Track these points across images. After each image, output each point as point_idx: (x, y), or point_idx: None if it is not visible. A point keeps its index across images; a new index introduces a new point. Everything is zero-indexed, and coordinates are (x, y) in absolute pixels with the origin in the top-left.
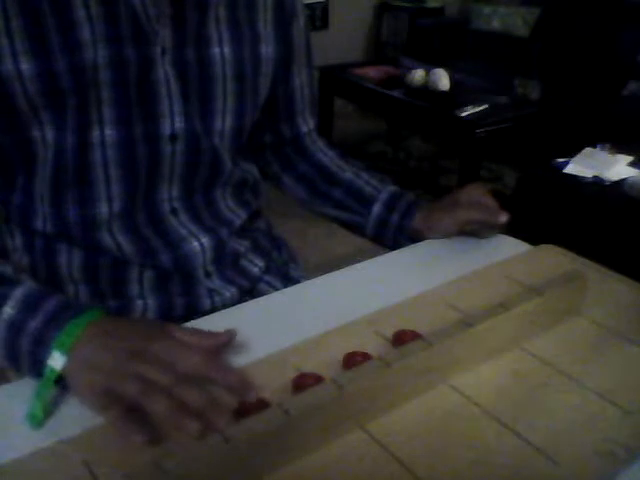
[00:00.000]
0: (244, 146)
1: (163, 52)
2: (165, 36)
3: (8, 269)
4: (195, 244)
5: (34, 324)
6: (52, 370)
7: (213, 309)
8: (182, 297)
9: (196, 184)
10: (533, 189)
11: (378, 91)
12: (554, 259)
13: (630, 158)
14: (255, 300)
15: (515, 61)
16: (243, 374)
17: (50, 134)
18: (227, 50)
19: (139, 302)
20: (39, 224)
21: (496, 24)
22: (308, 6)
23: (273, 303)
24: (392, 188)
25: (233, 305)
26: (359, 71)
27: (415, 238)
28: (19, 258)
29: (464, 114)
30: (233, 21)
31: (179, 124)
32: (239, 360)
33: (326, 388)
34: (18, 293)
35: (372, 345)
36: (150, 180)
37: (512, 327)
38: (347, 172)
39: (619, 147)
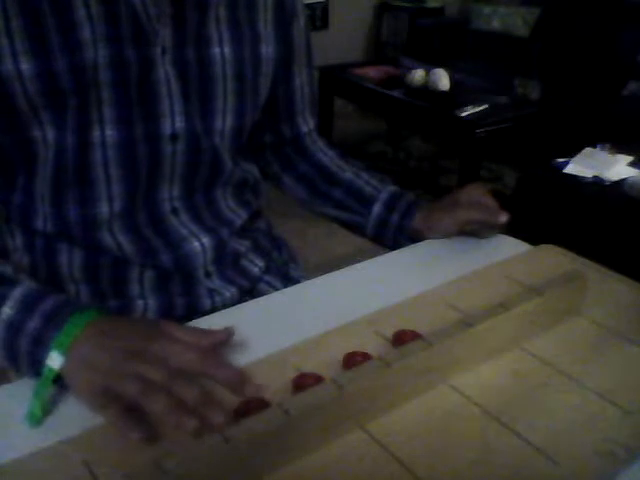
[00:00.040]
0: (244, 146)
1: (163, 52)
2: (165, 36)
3: (8, 269)
4: (196, 244)
5: (33, 324)
6: (50, 370)
7: (213, 309)
8: (182, 297)
9: (197, 184)
10: (533, 189)
11: (378, 91)
12: (554, 259)
13: (630, 158)
14: (255, 300)
15: (515, 61)
16: (240, 369)
17: (50, 134)
18: (227, 50)
19: (139, 302)
20: (39, 224)
21: (496, 24)
22: (308, 6)
23: (273, 303)
24: (392, 188)
25: (233, 305)
26: (359, 71)
27: (415, 238)
28: (20, 258)
29: (464, 114)
30: (233, 21)
31: (179, 124)
32: (239, 360)
33: (326, 388)
34: (17, 293)
35: (372, 345)
36: (151, 180)
37: (512, 327)
38: (347, 172)
39: (619, 147)
